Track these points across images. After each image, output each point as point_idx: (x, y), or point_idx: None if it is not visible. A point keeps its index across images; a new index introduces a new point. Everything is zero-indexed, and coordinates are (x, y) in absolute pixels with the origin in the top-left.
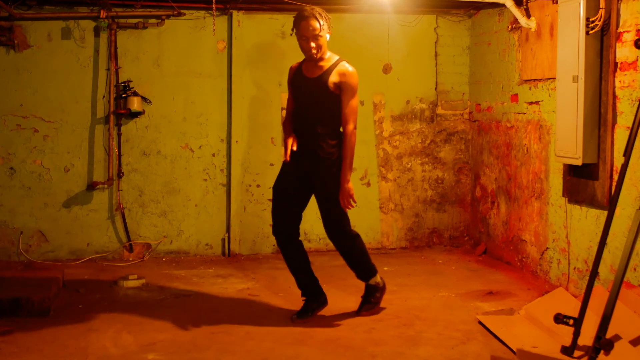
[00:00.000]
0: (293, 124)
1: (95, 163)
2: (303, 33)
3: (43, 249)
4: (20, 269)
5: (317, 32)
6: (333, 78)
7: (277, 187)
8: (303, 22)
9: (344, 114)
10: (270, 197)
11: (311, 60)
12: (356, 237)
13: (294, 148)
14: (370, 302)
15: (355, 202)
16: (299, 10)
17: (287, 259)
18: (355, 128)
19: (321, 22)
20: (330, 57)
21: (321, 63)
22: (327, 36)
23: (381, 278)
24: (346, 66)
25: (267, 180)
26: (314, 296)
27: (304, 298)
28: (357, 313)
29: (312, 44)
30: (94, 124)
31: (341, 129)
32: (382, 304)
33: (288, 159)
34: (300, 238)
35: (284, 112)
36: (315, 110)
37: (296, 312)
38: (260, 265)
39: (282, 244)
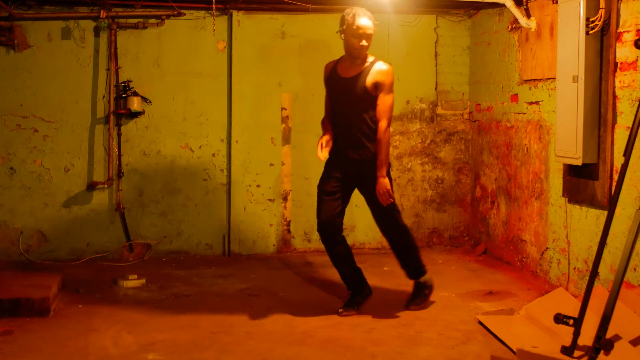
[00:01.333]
0: (332, 123)
1: (95, 163)
2: (360, 32)
3: (43, 249)
4: (20, 269)
5: (371, 32)
6: (370, 78)
7: (322, 185)
8: (362, 20)
9: (377, 111)
10: (271, 197)
11: (357, 57)
12: (408, 230)
13: (325, 152)
14: (421, 295)
15: (392, 196)
16: (350, 8)
17: (332, 254)
18: (388, 125)
19: (373, 23)
20: (367, 57)
21: (358, 62)
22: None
23: (431, 278)
24: (382, 65)
25: (267, 180)
26: (359, 289)
27: (349, 292)
28: (406, 307)
29: (364, 43)
30: (94, 124)
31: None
32: (382, 304)
33: (322, 159)
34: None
35: (284, 112)
36: (354, 110)
37: (342, 305)
38: (260, 265)
39: (328, 240)
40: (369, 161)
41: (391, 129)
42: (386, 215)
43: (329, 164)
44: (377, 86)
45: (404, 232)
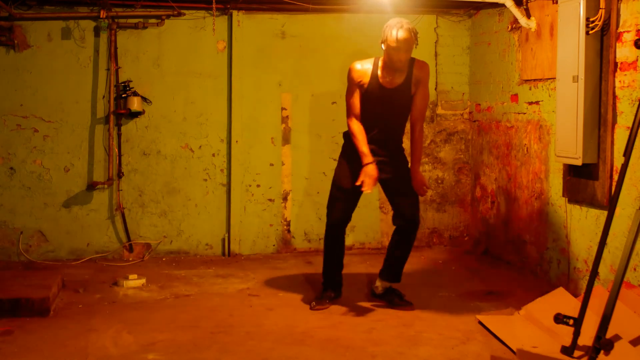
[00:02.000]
0: (366, 130)
1: (95, 163)
2: (401, 46)
3: (43, 249)
4: (20, 269)
5: (410, 46)
6: (414, 81)
7: (340, 183)
8: (405, 36)
9: (417, 109)
10: (271, 197)
11: (399, 70)
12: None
13: (368, 189)
14: (402, 296)
15: (428, 187)
16: (395, 20)
17: (330, 250)
18: (423, 120)
19: (414, 35)
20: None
21: (404, 69)
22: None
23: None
24: (420, 63)
25: (267, 180)
26: (336, 287)
27: (323, 288)
28: (403, 308)
29: (404, 57)
30: (94, 124)
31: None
32: (382, 304)
33: (369, 189)
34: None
35: (284, 112)
36: (398, 118)
37: (315, 299)
38: (260, 265)
39: (334, 237)
40: (401, 157)
41: None
42: (417, 213)
43: (349, 162)
44: (417, 84)
45: (415, 234)
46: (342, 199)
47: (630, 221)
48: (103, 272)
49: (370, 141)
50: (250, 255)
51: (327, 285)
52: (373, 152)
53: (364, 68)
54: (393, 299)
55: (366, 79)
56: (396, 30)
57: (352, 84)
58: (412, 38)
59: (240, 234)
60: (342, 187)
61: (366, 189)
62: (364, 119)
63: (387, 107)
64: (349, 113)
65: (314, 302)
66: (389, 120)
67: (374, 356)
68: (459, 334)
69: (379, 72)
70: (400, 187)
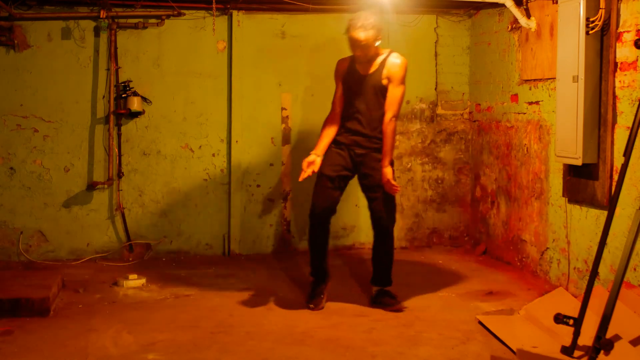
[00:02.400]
0: (345, 116)
1: (95, 163)
2: (353, 43)
3: (43, 249)
4: (20, 269)
5: (363, 44)
6: (385, 72)
7: (323, 174)
8: (355, 33)
9: (385, 102)
10: (271, 197)
11: (360, 62)
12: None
13: (307, 173)
14: (392, 296)
15: (397, 186)
16: (356, 17)
17: (313, 240)
18: (394, 117)
19: (369, 34)
20: (380, 52)
21: (373, 59)
22: (377, 43)
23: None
24: (394, 58)
25: (267, 180)
26: (323, 278)
27: (311, 279)
28: (376, 301)
29: (359, 53)
30: (94, 124)
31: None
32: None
33: (300, 179)
34: (329, 223)
35: (284, 112)
36: (374, 106)
37: (309, 298)
38: (260, 265)
39: (315, 226)
40: (375, 152)
41: None
42: (386, 211)
43: (334, 152)
44: (389, 79)
45: (392, 235)
46: (324, 186)
47: (630, 221)
48: (103, 272)
49: (349, 132)
50: (250, 255)
51: (315, 275)
52: (354, 144)
53: (345, 59)
54: (382, 300)
55: (345, 67)
56: (352, 28)
57: (336, 78)
58: (361, 36)
59: (240, 234)
60: (323, 174)
61: (301, 176)
62: (345, 109)
63: (364, 92)
64: (331, 108)
65: (311, 305)
66: (366, 106)
67: (374, 356)
68: (459, 334)
69: (357, 63)
70: (371, 187)
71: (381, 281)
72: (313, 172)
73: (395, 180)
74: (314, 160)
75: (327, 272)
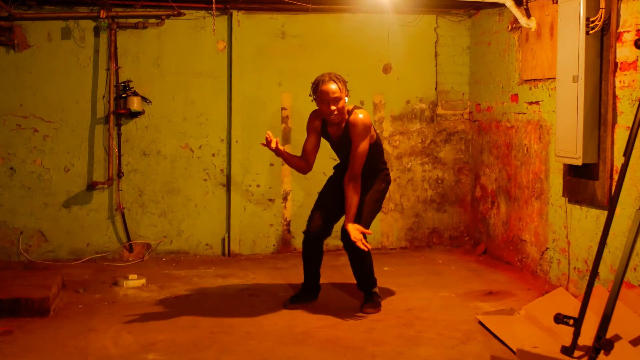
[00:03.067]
0: (338, 158)
1: (95, 163)
2: (325, 97)
3: (43, 249)
4: (20, 269)
5: (335, 96)
6: (350, 133)
7: (324, 193)
8: (322, 88)
9: (351, 163)
10: (271, 197)
11: (333, 123)
12: (369, 250)
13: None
14: (374, 301)
15: (366, 246)
16: (316, 78)
17: (307, 256)
18: (354, 174)
19: (340, 85)
20: (346, 110)
21: (342, 120)
22: (346, 99)
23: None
24: (355, 117)
25: (267, 180)
26: (312, 290)
27: (302, 287)
28: (361, 310)
29: (333, 107)
30: (94, 124)
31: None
32: (382, 304)
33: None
34: (323, 242)
35: (284, 112)
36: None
37: (291, 298)
38: (260, 265)
39: (309, 244)
40: (369, 180)
41: (391, 129)
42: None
43: (333, 178)
44: (352, 136)
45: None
46: (321, 207)
47: (630, 221)
48: (103, 272)
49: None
50: (250, 255)
51: (305, 286)
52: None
53: (317, 116)
54: (365, 310)
55: (319, 124)
56: (322, 83)
57: (308, 128)
58: (334, 87)
59: (240, 234)
60: (323, 195)
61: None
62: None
63: (340, 149)
64: (302, 152)
65: (290, 306)
66: (346, 159)
67: (374, 356)
68: (459, 334)
69: (328, 123)
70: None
71: (364, 286)
72: (270, 144)
73: (385, 192)
74: (277, 140)
75: (317, 287)
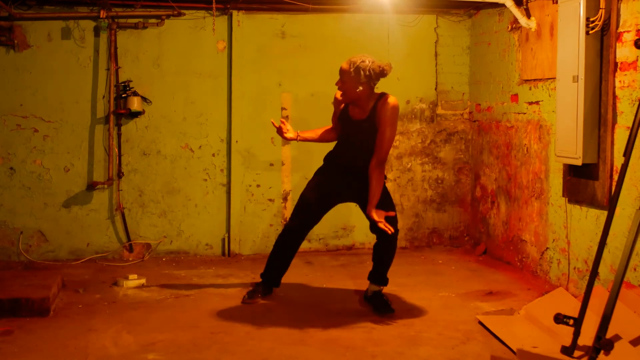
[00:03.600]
0: (339, 144)
1: (95, 163)
2: (340, 75)
3: (43, 249)
4: (20, 269)
5: (341, 76)
6: (377, 117)
7: (309, 194)
8: (341, 66)
9: (377, 147)
10: (271, 197)
11: (348, 102)
12: (395, 245)
13: (282, 126)
14: (385, 301)
15: (390, 228)
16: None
17: (280, 250)
18: (380, 161)
19: (350, 68)
20: (373, 96)
21: (364, 104)
22: (359, 89)
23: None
24: (386, 101)
25: (267, 180)
26: (271, 283)
27: (260, 280)
28: (383, 314)
29: (338, 85)
30: (94, 124)
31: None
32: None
33: (276, 124)
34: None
35: (284, 112)
36: (364, 146)
37: (247, 292)
38: (260, 265)
39: (287, 240)
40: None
41: None
42: (394, 226)
43: (322, 174)
44: (378, 122)
45: (395, 242)
46: (303, 209)
47: (630, 221)
48: (103, 272)
49: (338, 152)
50: (250, 255)
51: (265, 279)
52: (337, 162)
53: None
54: (377, 305)
55: (341, 106)
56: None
57: (335, 103)
58: (344, 67)
59: (240, 234)
60: (305, 197)
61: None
62: (339, 143)
63: (354, 135)
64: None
65: (246, 296)
66: (356, 147)
67: (374, 356)
68: (459, 334)
69: (350, 105)
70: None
71: (378, 279)
72: (282, 129)
73: (388, 209)
74: (288, 129)
75: (277, 282)
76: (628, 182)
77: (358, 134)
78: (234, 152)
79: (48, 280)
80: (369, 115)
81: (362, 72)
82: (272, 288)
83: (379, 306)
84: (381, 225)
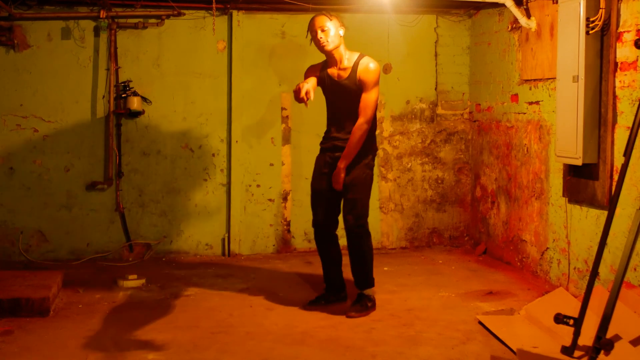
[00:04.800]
0: (328, 117)
1: (95, 163)
2: (315, 27)
3: (43, 249)
4: (20, 269)
5: (325, 22)
6: (357, 76)
7: (314, 181)
8: (313, 20)
9: (359, 107)
10: (271, 197)
11: (328, 55)
12: (369, 235)
13: (310, 96)
14: (362, 304)
15: (340, 183)
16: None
17: (321, 251)
18: (367, 122)
19: (331, 18)
20: (351, 57)
21: (345, 64)
22: (341, 31)
23: (374, 294)
24: (366, 62)
25: (267, 180)
26: (336, 290)
27: (325, 288)
28: (346, 315)
29: (321, 35)
30: (94, 124)
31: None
32: (382, 304)
33: (305, 96)
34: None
35: (284, 112)
36: (349, 109)
37: (310, 302)
38: (260, 265)
39: (320, 236)
40: (358, 155)
41: (391, 129)
42: (353, 213)
43: (318, 162)
44: (361, 84)
45: (367, 235)
46: (317, 200)
47: (630, 221)
48: (103, 272)
49: (329, 137)
50: (250, 255)
51: (326, 283)
52: (332, 148)
53: (316, 65)
54: (349, 314)
55: (318, 72)
56: (313, 18)
57: (310, 73)
58: (323, 18)
59: (240, 234)
60: (314, 189)
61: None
62: (328, 117)
63: (336, 98)
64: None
65: (307, 303)
66: (340, 114)
67: (374, 356)
68: (459, 334)
69: (329, 69)
70: (346, 188)
71: (359, 283)
72: (308, 97)
73: (369, 183)
74: (308, 89)
75: (336, 284)
76: (628, 182)
77: (343, 93)
78: (234, 152)
79: (48, 280)
80: (350, 74)
81: (336, 17)
82: (338, 294)
83: (354, 306)
84: (336, 176)
